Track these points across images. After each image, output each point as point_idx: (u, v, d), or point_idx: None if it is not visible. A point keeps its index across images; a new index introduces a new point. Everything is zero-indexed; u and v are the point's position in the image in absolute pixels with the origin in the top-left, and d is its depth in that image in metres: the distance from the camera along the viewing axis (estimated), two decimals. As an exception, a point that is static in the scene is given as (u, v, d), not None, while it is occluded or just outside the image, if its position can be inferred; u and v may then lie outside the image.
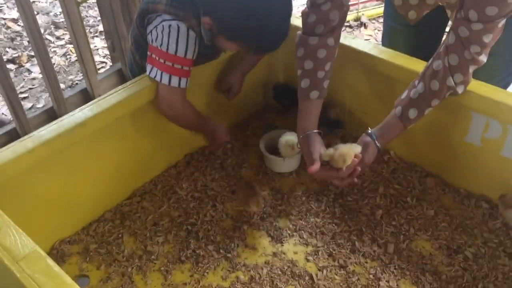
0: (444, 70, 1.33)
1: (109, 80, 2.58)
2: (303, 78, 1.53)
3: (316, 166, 1.42)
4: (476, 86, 1.44)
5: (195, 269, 1.46)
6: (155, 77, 1.48)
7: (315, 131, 1.51)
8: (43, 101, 3.12)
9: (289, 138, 1.69)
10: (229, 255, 1.49)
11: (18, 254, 1.02)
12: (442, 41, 1.37)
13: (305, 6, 1.49)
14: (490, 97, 1.42)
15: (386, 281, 1.40)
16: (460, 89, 1.37)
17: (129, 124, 1.56)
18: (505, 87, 1.65)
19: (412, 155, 1.74)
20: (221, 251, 1.50)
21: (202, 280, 1.43)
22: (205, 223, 1.59)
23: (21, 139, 1.31)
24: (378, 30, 3.49)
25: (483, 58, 1.29)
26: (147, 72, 1.51)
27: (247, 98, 1.99)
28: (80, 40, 2.32)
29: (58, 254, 1.50)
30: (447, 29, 1.62)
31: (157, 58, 1.47)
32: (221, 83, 1.80)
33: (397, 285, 1.39)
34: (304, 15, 1.49)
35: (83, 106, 1.45)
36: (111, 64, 3.08)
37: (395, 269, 1.44)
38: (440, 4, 1.56)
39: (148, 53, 1.50)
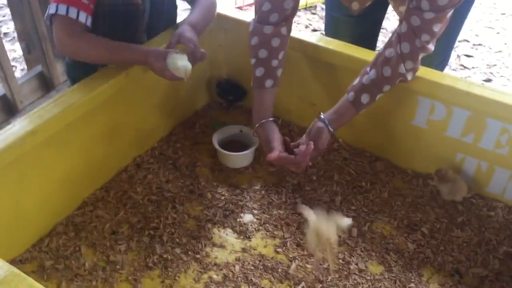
0: (396, 57, 1.40)
1: (29, 84, 2.39)
2: (258, 67, 1.52)
3: (275, 154, 1.42)
4: (422, 71, 1.53)
5: (165, 275, 1.40)
6: (52, 12, 1.40)
7: (271, 119, 1.52)
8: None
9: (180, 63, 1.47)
10: (198, 256, 1.45)
11: (-7, 279, 0.92)
12: (393, 30, 1.44)
13: None
14: (436, 80, 1.52)
15: (355, 264, 1.45)
16: (409, 76, 1.45)
17: (77, 129, 1.45)
18: (441, 70, 1.77)
19: (360, 141, 1.82)
20: (189, 252, 1.46)
21: (174, 285, 1.38)
22: (167, 226, 1.53)
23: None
24: (297, 24, 3.58)
25: (431, 47, 1.38)
26: (45, 16, 1.43)
27: (191, 96, 1.95)
28: (-4, 43, 2.13)
29: (10, 276, 1.37)
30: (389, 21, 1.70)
31: None
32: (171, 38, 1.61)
33: (365, 266, 1.45)
34: (258, 3, 1.48)
35: (30, 113, 1.33)
36: (22, 68, 2.86)
37: (361, 251, 1.49)
38: None
39: None
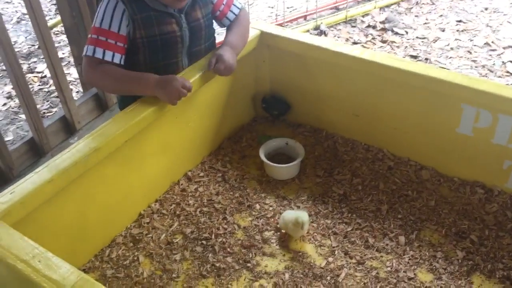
0: None
1: (86, 105, 2.53)
2: None
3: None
4: (465, 79, 1.55)
5: (218, 282, 1.47)
6: (83, 55, 1.54)
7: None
8: (11, 134, 3.01)
9: (298, 215, 1.54)
10: (249, 264, 1.51)
11: (67, 283, 1.01)
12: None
13: None
14: (480, 88, 1.53)
15: (403, 272, 1.47)
16: None
17: (135, 146, 1.55)
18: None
19: (405, 150, 1.84)
20: (240, 261, 1.52)
21: (227, 292, 1.44)
22: (219, 236, 1.60)
23: (37, 169, 1.29)
24: (338, 37, 3.63)
25: None
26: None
27: (238, 111, 2.03)
28: (57, 68, 2.28)
29: (76, 284, 1.47)
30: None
31: (89, 35, 1.55)
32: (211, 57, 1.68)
33: (414, 274, 1.46)
34: None
35: (93, 132, 1.43)
36: (77, 90, 3.04)
37: (409, 259, 1.51)
38: None
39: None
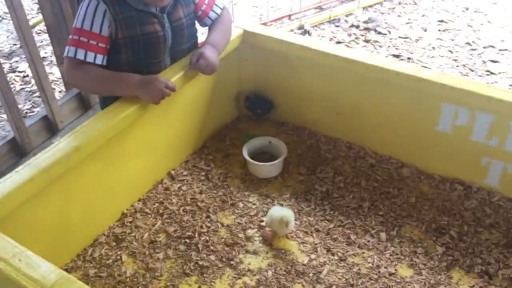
0: None
1: (68, 105, 2.52)
2: None
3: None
4: (444, 77, 1.58)
5: (201, 280, 1.47)
6: (64, 55, 1.53)
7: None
8: (-6, 133, 2.97)
9: (284, 214, 1.55)
10: (232, 262, 1.52)
11: (47, 282, 1.01)
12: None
13: None
14: (458, 86, 1.56)
15: (384, 267, 1.49)
16: None
17: (117, 145, 1.55)
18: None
19: (386, 148, 1.86)
20: (223, 259, 1.53)
21: (211, 289, 1.45)
22: (202, 234, 1.61)
23: (17, 168, 1.28)
24: (322, 37, 3.65)
25: None
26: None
27: (221, 110, 2.04)
28: (39, 67, 2.26)
29: (58, 283, 1.46)
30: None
31: (70, 36, 1.54)
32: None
33: (395, 269, 1.48)
34: None
35: (75, 130, 1.43)
36: (59, 90, 3.01)
37: (390, 255, 1.53)
38: None
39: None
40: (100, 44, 1.52)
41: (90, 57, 1.52)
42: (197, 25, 1.80)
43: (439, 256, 1.51)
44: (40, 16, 3.50)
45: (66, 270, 1.50)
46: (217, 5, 1.77)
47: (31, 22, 3.52)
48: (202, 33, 1.81)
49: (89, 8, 1.51)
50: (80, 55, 1.51)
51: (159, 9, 1.59)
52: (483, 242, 1.54)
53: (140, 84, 1.52)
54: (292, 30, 3.64)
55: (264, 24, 3.57)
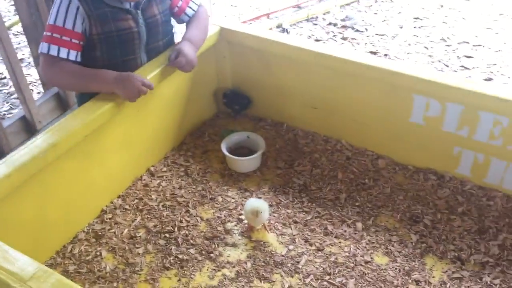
0: None
1: (46, 105, 2.51)
2: None
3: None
4: (415, 69, 1.62)
5: (181, 274, 1.49)
6: (39, 52, 1.54)
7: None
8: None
9: (254, 205, 1.57)
10: (211, 255, 1.54)
11: (25, 275, 1.02)
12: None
13: None
14: (428, 78, 1.60)
15: (361, 256, 1.52)
16: None
17: (95, 141, 1.56)
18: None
19: (362, 141, 1.90)
20: (203, 252, 1.55)
21: (190, 282, 1.46)
22: (182, 229, 1.63)
23: (-6, 165, 1.28)
24: (300, 35, 3.69)
25: None
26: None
27: (200, 107, 2.06)
28: (15, 67, 2.26)
29: (37, 280, 1.46)
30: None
31: (44, 33, 1.55)
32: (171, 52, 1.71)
33: (371, 258, 1.52)
34: None
35: (52, 127, 1.43)
36: (38, 91, 2.99)
37: (366, 244, 1.57)
38: None
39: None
40: (74, 40, 1.53)
41: (63, 53, 1.53)
42: (174, 23, 1.81)
43: (414, 244, 1.55)
44: (17, 17, 3.48)
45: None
46: (193, 2, 1.79)
47: (7, 24, 3.49)
48: (181, 32, 1.83)
49: (62, 5, 1.52)
50: (53, 51, 1.52)
51: (133, 5, 1.60)
52: (456, 229, 1.59)
53: (116, 80, 1.53)
54: (270, 29, 3.67)
55: (244, 22, 3.59)
